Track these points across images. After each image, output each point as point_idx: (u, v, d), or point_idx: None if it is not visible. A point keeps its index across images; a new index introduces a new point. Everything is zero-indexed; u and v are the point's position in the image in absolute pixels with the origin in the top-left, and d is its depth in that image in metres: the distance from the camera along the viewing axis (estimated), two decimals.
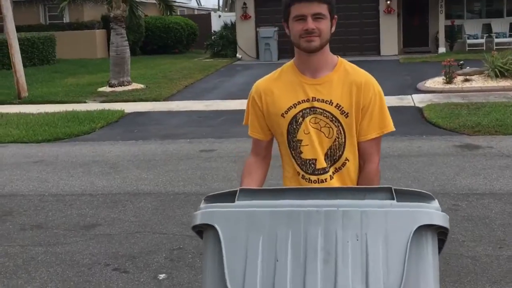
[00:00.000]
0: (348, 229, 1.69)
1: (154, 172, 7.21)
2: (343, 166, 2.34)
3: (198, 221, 1.83)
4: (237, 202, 1.82)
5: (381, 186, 1.83)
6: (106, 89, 15.50)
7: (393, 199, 1.74)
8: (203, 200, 1.91)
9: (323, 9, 2.23)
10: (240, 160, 7.54)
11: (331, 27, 2.30)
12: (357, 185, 2.36)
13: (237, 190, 1.86)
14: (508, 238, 4.65)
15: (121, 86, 15.52)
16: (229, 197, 1.85)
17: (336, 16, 2.32)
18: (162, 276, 4.28)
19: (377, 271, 1.63)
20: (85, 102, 13.85)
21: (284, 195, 1.82)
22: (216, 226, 1.76)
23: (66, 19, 25.51)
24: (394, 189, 1.77)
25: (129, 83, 15.75)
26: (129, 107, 12.63)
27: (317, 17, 2.22)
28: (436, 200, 1.77)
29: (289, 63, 2.43)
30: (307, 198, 1.79)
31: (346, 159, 2.34)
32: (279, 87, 2.37)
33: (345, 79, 2.31)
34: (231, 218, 1.77)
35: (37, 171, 7.52)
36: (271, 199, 1.81)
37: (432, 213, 1.71)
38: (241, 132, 9.37)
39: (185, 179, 6.80)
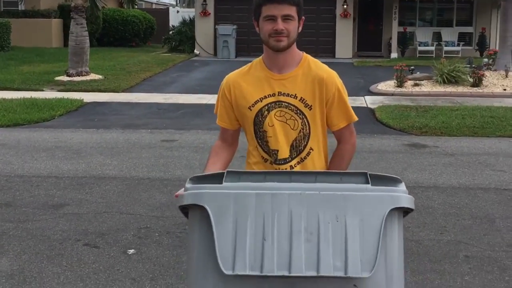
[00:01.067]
0: (329, 211, 1.83)
1: (117, 158, 7.44)
2: (308, 156, 2.54)
3: (187, 201, 1.91)
4: (224, 184, 1.90)
5: (357, 171, 1.96)
6: (64, 78, 15.51)
7: (368, 183, 1.88)
8: (188, 180, 1.97)
9: (292, 11, 2.39)
10: (201, 150, 7.84)
11: (299, 27, 2.47)
12: (330, 161, 2.63)
13: (224, 173, 1.94)
14: (448, 225, 5.12)
15: (79, 76, 15.56)
16: (216, 178, 1.94)
17: (303, 17, 2.49)
18: (131, 251, 4.56)
19: (355, 249, 1.78)
20: (42, 90, 13.87)
21: (268, 178, 1.93)
22: (206, 207, 1.84)
23: (22, 7, 25.18)
24: (368, 174, 1.91)
25: (87, 73, 15.79)
26: (88, 97, 12.74)
27: (286, 18, 2.39)
28: (403, 183, 1.95)
29: (258, 59, 2.58)
30: (289, 181, 1.91)
31: (311, 149, 2.52)
32: (248, 81, 2.54)
33: (309, 74, 2.49)
34: (220, 200, 1.85)
35: (0, 154, 7.64)
36: (257, 181, 1.92)
37: (402, 196, 1.88)
38: (201, 124, 9.68)
39: (149, 166, 7.07)
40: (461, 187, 6.28)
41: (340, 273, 1.76)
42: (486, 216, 5.36)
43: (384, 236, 1.81)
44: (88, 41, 16.06)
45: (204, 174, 2.01)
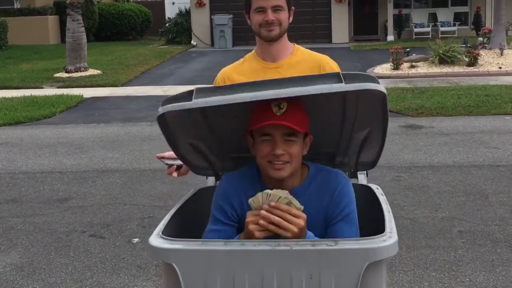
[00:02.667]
0: (302, 268, 1.73)
1: (119, 151, 7.59)
2: None
3: (156, 258, 1.90)
4: (194, 101, 1.81)
5: (329, 72, 1.93)
6: (63, 74, 15.63)
7: (342, 81, 1.76)
8: (162, 103, 1.89)
9: (281, 1, 2.48)
10: None
11: (289, 17, 2.53)
12: None
13: (193, 90, 1.85)
14: (443, 203, 5.26)
15: (77, 71, 15.69)
16: (186, 97, 1.84)
17: (293, 8, 2.55)
18: (135, 240, 4.71)
19: None
20: (42, 88, 14.00)
21: (236, 90, 1.81)
22: (174, 266, 1.77)
23: (17, 5, 25.25)
24: (342, 74, 1.78)
25: (85, 69, 15.91)
26: (88, 92, 12.87)
27: (276, 9, 2.47)
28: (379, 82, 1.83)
29: (251, 53, 2.66)
30: (258, 90, 1.78)
31: None
32: (243, 73, 2.60)
33: (303, 61, 2.57)
34: (189, 258, 1.77)
35: (4, 152, 7.79)
36: (225, 94, 1.80)
37: (381, 248, 1.73)
38: None
39: (150, 158, 7.21)
40: (455, 165, 6.42)
41: None
42: (479, 192, 5.50)
43: None
44: (85, 36, 16.16)
45: (174, 95, 1.88)
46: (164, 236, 1.84)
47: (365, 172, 2.48)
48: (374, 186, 2.32)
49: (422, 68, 14.23)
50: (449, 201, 5.31)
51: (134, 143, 8.04)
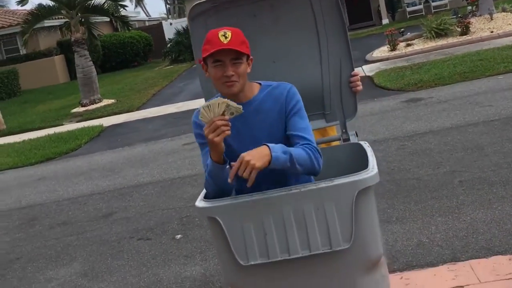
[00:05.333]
0: (310, 203, 2.26)
1: (148, 167, 8.25)
2: None
3: (201, 215, 2.39)
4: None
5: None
6: (79, 109, 16.43)
7: None
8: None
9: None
10: None
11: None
12: None
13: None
14: (444, 160, 5.84)
15: (93, 104, 16.48)
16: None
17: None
18: (178, 236, 5.34)
19: (335, 228, 2.26)
20: (62, 125, 14.77)
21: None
22: (218, 218, 2.29)
23: (23, 51, 26.21)
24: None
25: (100, 100, 16.70)
26: (106, 121, 13.61)
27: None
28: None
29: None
30: None
31: None
32: None
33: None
34: (227, 211, 2.29)
35: (43, 186, 8.49)
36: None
37: (367, 178, 2.26)
38: None
39: (177, 168, 7.86)
40: (453, 127, 6.99)
41: (327, 249, 2.28)
42: (476, 146, 6.07)
43: (356, 213, 2.25)
44: (94, 70, 16.96)
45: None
46: (205, 200, 2.39)
47: (354, 132, 3.08)
48: (363, 142, 2.91)
49: (418, 45, 14.77)
50: (449, 158, 5.88)
51: (159, 158, 8.70)
